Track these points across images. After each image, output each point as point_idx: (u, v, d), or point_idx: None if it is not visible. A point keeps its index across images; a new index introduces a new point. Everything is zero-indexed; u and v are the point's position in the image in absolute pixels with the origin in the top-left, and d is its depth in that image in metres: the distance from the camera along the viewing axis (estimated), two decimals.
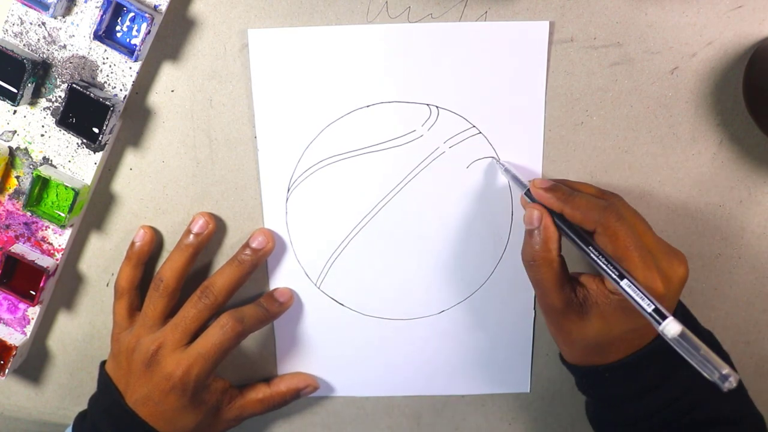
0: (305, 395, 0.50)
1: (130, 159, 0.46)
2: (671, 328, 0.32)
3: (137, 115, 0.45)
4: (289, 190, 0.46)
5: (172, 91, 0.45)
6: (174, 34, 0.43)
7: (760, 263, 0.48)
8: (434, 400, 0.51)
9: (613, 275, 0.36)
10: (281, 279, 0.48)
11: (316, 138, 0.45)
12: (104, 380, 0.46)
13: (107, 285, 0.49)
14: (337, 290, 0.48)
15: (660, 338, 0.34)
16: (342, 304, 0.49)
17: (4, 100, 0.42)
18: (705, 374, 0.32)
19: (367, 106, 0.45)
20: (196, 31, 0.43)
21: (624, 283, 0.35)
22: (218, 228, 0.47)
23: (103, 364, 0.47)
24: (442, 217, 0.47)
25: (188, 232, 0.46)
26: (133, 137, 0.45)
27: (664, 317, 0.33)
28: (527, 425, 0.52)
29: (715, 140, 0.45)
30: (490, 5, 0.43)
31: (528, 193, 0.41)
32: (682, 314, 0.41)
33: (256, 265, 0.46)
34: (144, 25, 0.41)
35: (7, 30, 0.42)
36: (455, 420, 0.52)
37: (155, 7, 0.42)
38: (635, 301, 0.34)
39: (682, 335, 0.32)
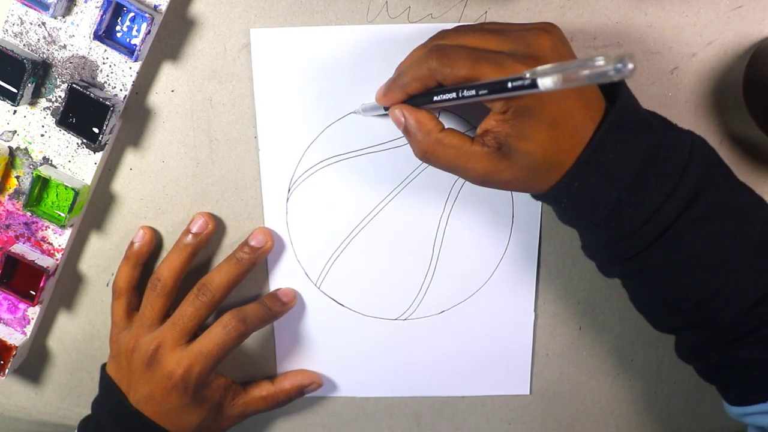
0: (309, 392, 0.50)
1: (130, 159, 0.46)
2: (540, 71, 0.27)
3: (137, 115, 0.45)
4: (289, 190, 0.46)
5: (172, 91, 0.45)
6: (174, 34, 0.43)
7: None
8: (434, 400, 0.51)
9: (487, 94, 0.32)
10: (281, 279, 0.48)
11: (317, 138, 0.45)
12: (106, 382, 0.46)
13: (107, 285, 0.49)
14: (337, 290, 0.48)
15: (597, 130, 0.33)
16: (342, 304, 0.49)
17: (4, 100, 0.42)
18: (606, 79, 0.26)
19: None
20: (196, 31, 0.43)
21: (499, 92, 0.31)
22: (218, 228, 0.47)
23: (103, 366, 0.47)
24: (442, 218, 0.47)
25: (187, 231, 0.46)
26: (133, 137, 0.45)
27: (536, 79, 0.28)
28: (527, 425, 0.52)
29: (715, 140, 0.45)
30: (490, 5, 0.43)
31: (385, 108, 0.40)
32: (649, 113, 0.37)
33: (254, 263, 0.46)
34: (144, 25, 0.41)
35: (7, 30, 0.42)
36: (455, 420, 0.52)
37: (155, 7, 0.42)
38: (510, 92, 0.30)
39: (553, 69, 0.27)
